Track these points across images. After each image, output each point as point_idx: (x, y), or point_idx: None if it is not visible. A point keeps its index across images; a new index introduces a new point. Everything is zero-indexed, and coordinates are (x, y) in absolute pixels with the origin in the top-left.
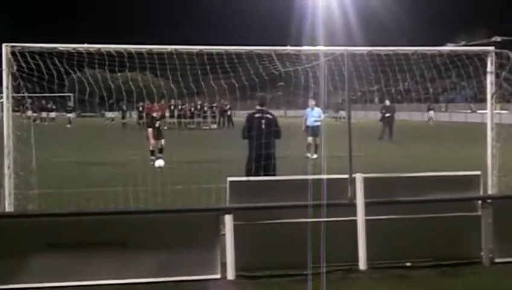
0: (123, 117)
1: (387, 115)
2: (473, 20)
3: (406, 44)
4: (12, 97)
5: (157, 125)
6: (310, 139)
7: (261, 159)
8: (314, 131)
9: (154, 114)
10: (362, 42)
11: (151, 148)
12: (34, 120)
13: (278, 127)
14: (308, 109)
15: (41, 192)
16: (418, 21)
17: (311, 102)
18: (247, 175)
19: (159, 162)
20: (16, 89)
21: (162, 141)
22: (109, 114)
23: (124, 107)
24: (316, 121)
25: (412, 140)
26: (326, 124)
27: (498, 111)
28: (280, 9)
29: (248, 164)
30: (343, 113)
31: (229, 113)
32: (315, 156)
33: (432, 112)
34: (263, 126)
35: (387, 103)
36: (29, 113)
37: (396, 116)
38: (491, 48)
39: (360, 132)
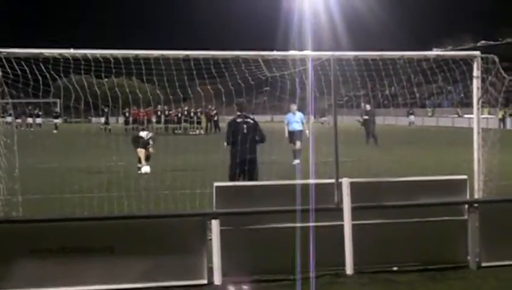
0: (106, 123)
1: (365, 117)
2: (457, 25)
3: (392, 49)
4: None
5: (146, 137)
6: (294, 144)
7: (244, 164)
8: (297, 136)
9: (144, 134)
10: (348, 47)
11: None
12: (20, 126)
13: (260, 130)
14: (290, 114)
15: (27, 198)
16: (403, 26)
17: (293, 106)
18: (231, 180)
19: (145, 169)
20: (1, 95)
21: (150, 149)
22: (102, 120)
23: (109, 113)
24: (298, 125)
25: (398, 145)
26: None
27: (486, 116)
28: (266, 14)
29: (231, 169)
30: (326, 119)
31: (215, 118)
32: (297, 161)
33: (412, 116)
34: (245, 131)
35: (368, 107)
36: (9, 119)
37: (376, 121)
38: (477, 53)
39: (346, 137)
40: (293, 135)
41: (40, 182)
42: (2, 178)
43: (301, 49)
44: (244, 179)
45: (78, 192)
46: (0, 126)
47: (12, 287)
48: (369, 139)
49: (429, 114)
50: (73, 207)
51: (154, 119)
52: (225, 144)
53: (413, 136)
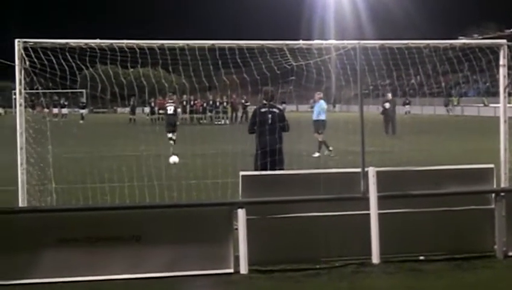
0: (132, 113)
1: (385, 106)
2: (482, 13)
3: (416, 38)
4: (26, 93)
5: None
6: (316, 135)
7: (269, 155)
8: (319, 126)
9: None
10: (372, 36)
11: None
12: (47, 116)
13: (285, 120)
14: (319, 102)
15: (56, 187)
16: (427, 15)
17: (318, 95)
18: (257, 170)
19: (174, 159)
20: (29, 84)
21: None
22: (146, 109)
23: (135, 103)
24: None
25: (424, 134)
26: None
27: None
28: (292, 3)
29: (256, 160)
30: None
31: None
32: (317, 154)
33: (407, 106)
34: (270, 121)
35: (389, 96)
36: (39, 108)
37: (397, 110)
38: (504, 41)
39: (372, 126)
40: (315, 125)
41: (70, 172)
42: (31, 168)
43: (325, 38)
44: (270, 169)
45: (106, 181)
46: (27, 115)
47: (40, 276)
48: (388, 129)
49: (455, 103)
50: (102, 196)
51: (179, 109)
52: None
53: (438, 126)
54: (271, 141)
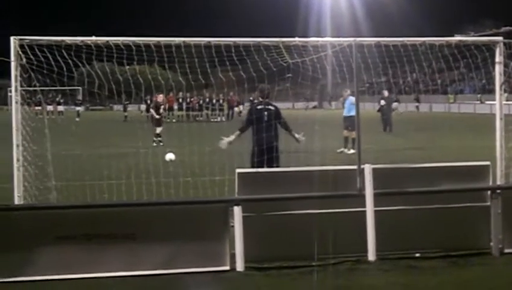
0: (125, 110)
1: (382, 103)
2: (479, 11)
3: (412, 35)
4: (23, 90)
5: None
6: (345, 132)
7: (264, 152)
8: (349, 122)
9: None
10: (368, 34)
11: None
12: (41, 114)
13: (282, 118)
14: (349, 98)
15: (55, 184)
16: (423, 12)
17: (346, 92)
18: (253, 168)
19: (170, 156)
20: (26, 82)
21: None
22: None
23: (126, 101)
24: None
25: (420, 131)
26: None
27: (509, 102)
28: (288, 1)
29: (252, 157)
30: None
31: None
32: (351, 151)
33: (396, 104)
34: (265, 118)
35: (386, 93)
36: (33, 106)
37: (393, 107)
38: (500, 38)
39: (368, 124)
40: (347, 122)
41: (67, 169)
42: (30, 164)
43: (321, 36)
44: (266, 167)
45: (103, 179)
46: (24, 113)
47: (37, 274)
48: (386, 126)
49: (451, 100)
50: (99, 194)
51: (175, 106)
52: (239, 131)
53: (435, 123)
54: (267, 138)
